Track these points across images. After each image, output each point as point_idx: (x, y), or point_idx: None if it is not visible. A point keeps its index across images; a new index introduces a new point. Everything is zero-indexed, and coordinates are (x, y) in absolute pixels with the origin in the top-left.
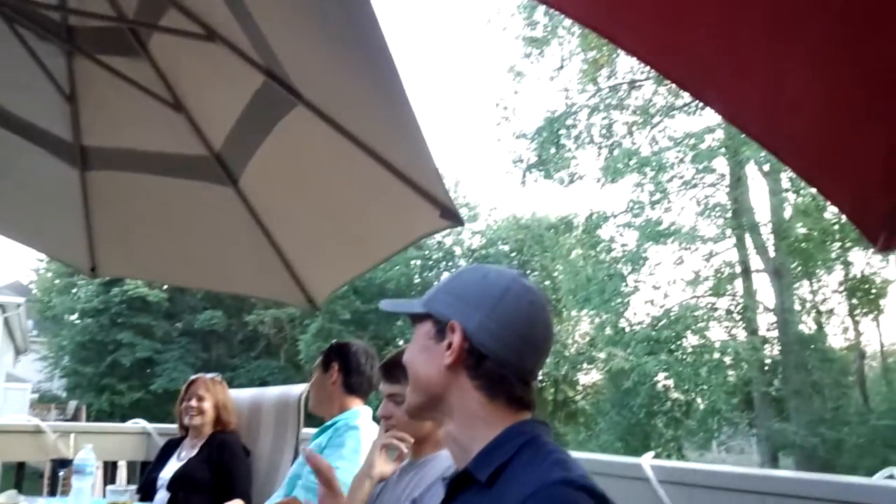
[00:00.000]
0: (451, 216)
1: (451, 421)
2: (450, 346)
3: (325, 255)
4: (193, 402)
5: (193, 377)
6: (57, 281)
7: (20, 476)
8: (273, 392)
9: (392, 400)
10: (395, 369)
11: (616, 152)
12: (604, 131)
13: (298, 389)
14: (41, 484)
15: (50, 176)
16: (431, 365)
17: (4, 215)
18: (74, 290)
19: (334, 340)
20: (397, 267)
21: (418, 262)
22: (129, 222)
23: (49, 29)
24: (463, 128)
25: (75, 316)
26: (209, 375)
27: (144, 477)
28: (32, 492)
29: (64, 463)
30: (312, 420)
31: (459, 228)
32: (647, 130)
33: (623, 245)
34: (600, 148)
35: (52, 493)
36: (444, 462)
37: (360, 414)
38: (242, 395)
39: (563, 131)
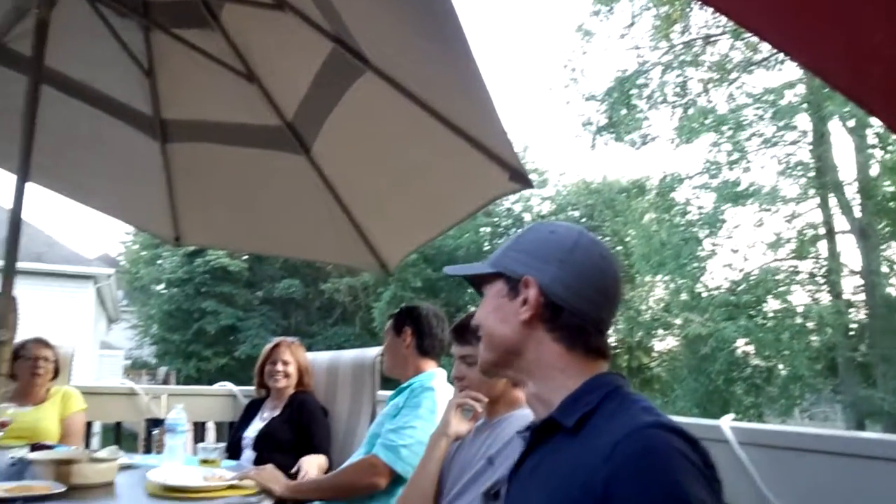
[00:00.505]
0: (520, 179)
1: (529, 376)
2: (524, 301)
3: (396, 220)
4: (279, 367)
5: (276, 341)
6: (143, 252)
7: (118, 435)
8: (349, 355)
9: (464, 361)
10: (465, 331)
11: (691, 111)
12: (677, 90)
13: (373, 352)
14: (137, 444)
15: (133, 149)
16: (507, 322)
17: (93, 189)
18: (160, 262)
19: (403, 305)
20: (467, 234)
21: (487, 230)
22: (209, 192)
23: (127, 5)
24: (531, 91)
25: (162, 286)
26: (290, 339)
27: (231, 436)
28: (129, 450)
29: (157, 422)
30: (387, 382)
31: (528, 195)
32: (724, 87)
33: (699, 207)
34: (674, 107)
35: (148, 451)
36: (518, 421)
37: (434, 375)
38: (320, 358)
39: (634, 91)
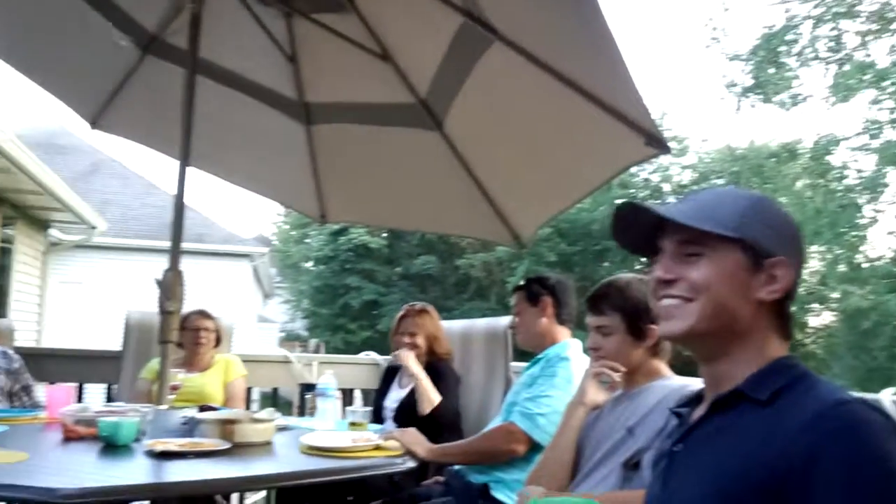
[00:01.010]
0: (656, 143)
1: (726, 353)
2: (770, 280)
3: (529, 191)
4: (406, 339)
5: (403, 310)
6: (293, 232)
7: (275, 401)
8: (481, 323)
9: (599, 332)
10: (601, 301)
11: (847, 67)
12: (831, 44)
13: (505, 321)
14: (291, 410)
15: (281, 133)
16: (742, 296)
17: (246, 171)
18: (308, 240)
19: (531, 275)
20: (602, 207)
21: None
22: (350, 171)
23: None
24: (668, 54)
25: (310, 263)
26: (417, 305)
27: (374, 403)
28: (284, 415)
29: (309, 387)
30: (518, 352)
31: (667, 164)
32: (885, 39)
33: (858, 171)
34: (827, 63)
35: (301, 414)
36: (657, 392)
37: (569, 346)
38: (454, 327)
39: (782, 48)
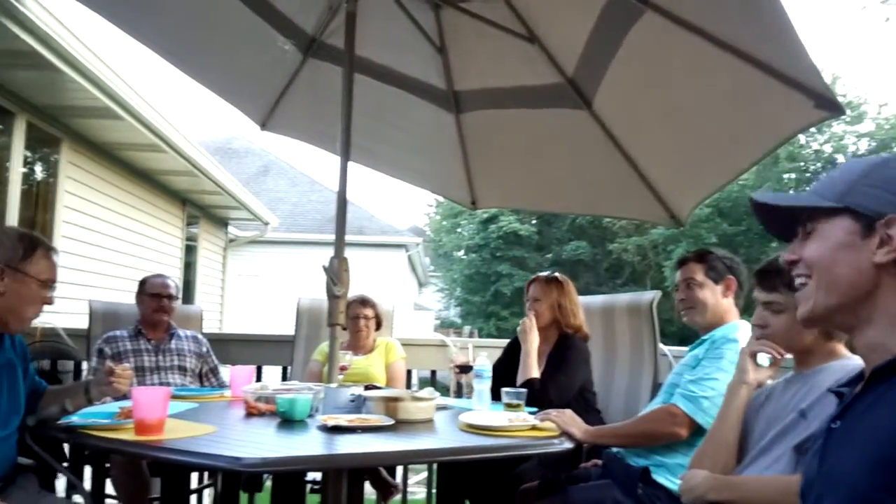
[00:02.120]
0: (827, 105)
1: (867, 324)
2: (883, 241)
3: (685, 167)
4: (528, 305)
5: (532, 278)
6: (444, 222)
7: (433, 384)
8: (624, 298)
9: (768, 308)
10: (775, 277)
11: None
12: None
13: (649, 295)
14: (448, 394)
15: (432, 123)
16: (856, 263)
17: (402, 163)
18: (459, 230)
19: (699, 250)
20: (768, 183)
21: (792, 176)
22: (499, 156)
23: None
24: (839, 12)
25: (462, 252)
26: (544, 274)
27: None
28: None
29: (465, 369)
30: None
31: (840, 132)
32: None
33: None
34: None
35: (458, 396)
36: (834, 373)
37: (738, 327)
38: (594, 302)
39: None
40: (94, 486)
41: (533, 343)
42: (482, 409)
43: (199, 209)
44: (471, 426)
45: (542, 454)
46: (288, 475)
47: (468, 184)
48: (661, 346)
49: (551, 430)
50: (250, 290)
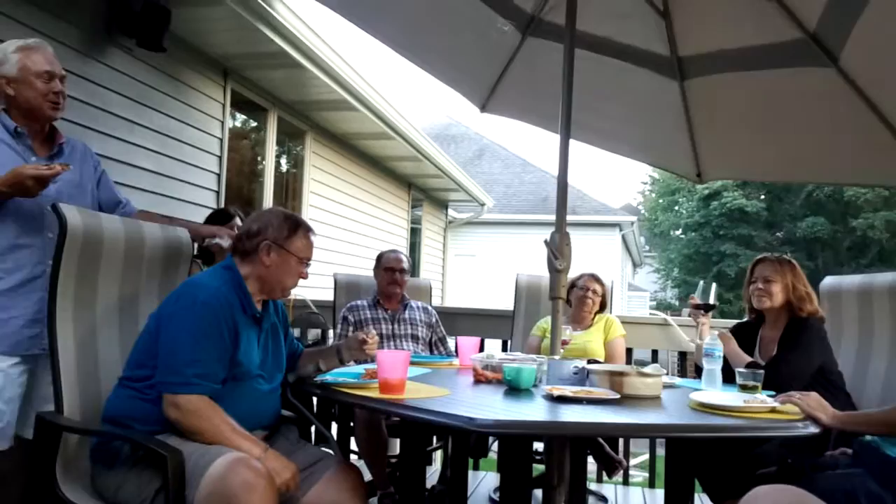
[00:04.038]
0: None
1: None
2: None
3: None
4: (760, 284)
5: (759, 258)
6: (661, 200)
7: (654, 360)
8: (884, 279)
9: None
10: None
11: None
12: None
13: None
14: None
15: (653, 93)
16: None
17: (620, 136)
18: (676, 207)
19: None
20: None
21: None
22: (727, 124)
23: None
24: None
25: (679, 231)
26: (772, 255)
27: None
28: None
29: (705, 308)
30: None
31: None
32: None
33: None
34: None
35: (682, 376)
36: None
37: None
38: (850, 281)
39: None
40: (339, 442)
41: (733, 346)
42: (713, 389)
43: (423, 192)
44: (703, 405)
45: (784, 438)
46: (515, 441)
47: (693, 155)
48: None
49: (793, 413)
50: (467, 270)
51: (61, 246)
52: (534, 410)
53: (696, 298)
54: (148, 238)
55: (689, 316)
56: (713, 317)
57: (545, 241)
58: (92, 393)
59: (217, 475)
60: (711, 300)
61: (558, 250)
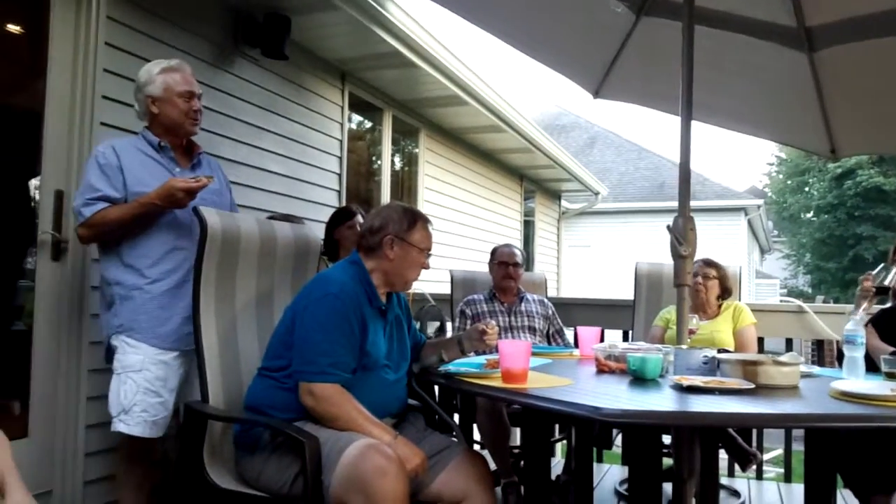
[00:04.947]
0: None
1: None
2: None
3: None
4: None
5: None
6: (789, 181)
7: (789, 349)
8: None
9: None
10: None
11: None
12: None
13: None
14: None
15: (780, 66)
16: None
17: (744, 114)
18: (806, 189)
19: None
20: None
21: None
22: (862, 94)
23: None
24: None
25: (810, 213)
26: None
27: None
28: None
29: (880, 291)
30: None
31: None
32: None
33: None
34: None
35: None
36: None
37: None
38: None
39: None
40: (461, 431)
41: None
42: (856, 378)
43: (535, 183)
44: (845, 394)
45: None
46: (642, 433)
47: (825, 129)
48: None
49: None
50: (581, 261)
51: (202, 246)
52: (662, 400)
53: (872, 279)
54: (280, 236)
55: (858, 292)
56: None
57: (668, 227)
58: (233, 383)
59: (351, 461)
60: (889, 282)
61: (682, 235)
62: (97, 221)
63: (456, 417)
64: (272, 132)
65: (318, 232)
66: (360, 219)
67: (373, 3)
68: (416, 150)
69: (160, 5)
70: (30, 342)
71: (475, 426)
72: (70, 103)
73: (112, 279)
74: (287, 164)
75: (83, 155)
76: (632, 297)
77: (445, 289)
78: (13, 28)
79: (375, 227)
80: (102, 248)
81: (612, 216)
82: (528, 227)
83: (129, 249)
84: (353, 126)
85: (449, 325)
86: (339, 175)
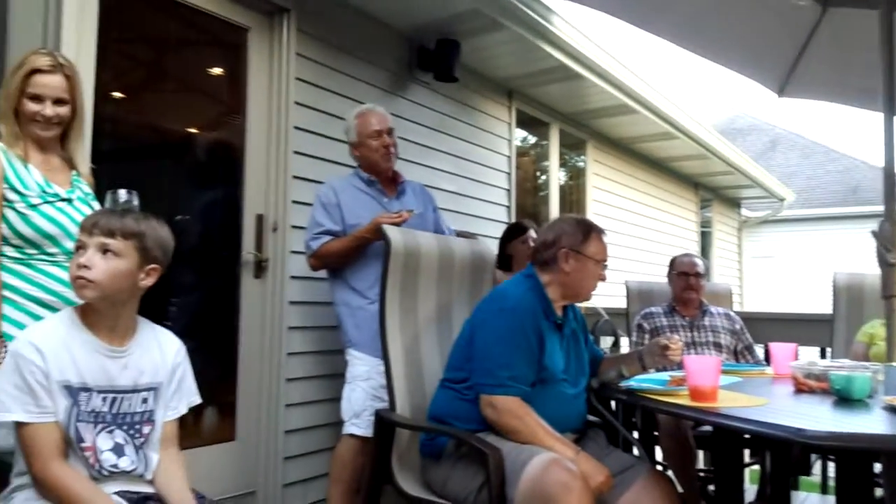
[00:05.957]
0: None
1: None
2: None
3: None
4: None
5: None
6: None
7: None
8: None
9: None
10: None
11: None
12: None
13: None
14: None
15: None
16: None
17: None
18: None
19: None
20: None
21: None
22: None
23: None
24: None
25: None
26: None
27: None
28: None
29: None
30: None
31: None
32: None
33: None
34: None
35: None
36: None
37: None
38: None
39: None
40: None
41: None
42: None
43: (711, 191)
44: None
45: None
46: (852, 458)
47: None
48: None
49: None
50: (765, 272)
51: (387, 262)
52: (872, 423)
53: None
54: (457, 252)
55: None
56: None
57: (872, 232)
58: (417, 393)
59: (534, 475)
60: None
61: (890, 241)
62: (323, 253)
63: (635, 436)
64: (443, 151)
65: (491, 247)
66: (532, 233)
67: (539, 19)
68: (584, 162)
69: (343, 39)
70: (236, 353)
71: (657, 447)
72: (267, 135)
73: (340, 301)
74: (457, 182)
75: (280, 181)
76: (828, 311)
77: (618, 303)
78: (217, 71)
79: (550, 240)
80: (332, 273)
81: (798, 223)
82: (706, 237)
83: (352, 274)
84: (519, 142)
85: (624, 341)
86: (508, 191)
